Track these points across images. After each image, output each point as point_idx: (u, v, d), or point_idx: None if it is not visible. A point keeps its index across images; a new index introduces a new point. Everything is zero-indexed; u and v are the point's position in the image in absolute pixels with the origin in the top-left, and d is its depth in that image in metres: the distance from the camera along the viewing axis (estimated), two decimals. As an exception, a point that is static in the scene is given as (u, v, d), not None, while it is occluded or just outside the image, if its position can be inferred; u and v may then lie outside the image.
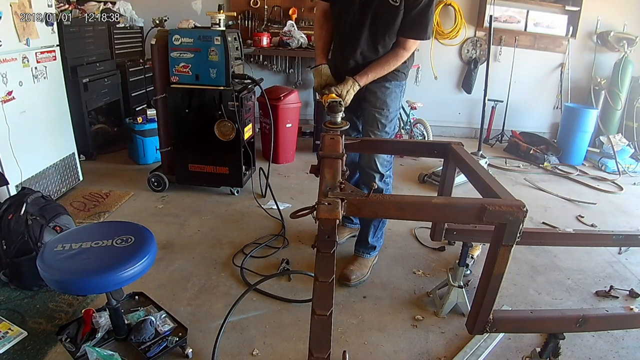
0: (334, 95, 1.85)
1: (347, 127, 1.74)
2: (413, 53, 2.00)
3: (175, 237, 2.53)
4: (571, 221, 3.06)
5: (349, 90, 1.87)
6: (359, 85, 1.89)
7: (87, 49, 3.50)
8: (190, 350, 1.65)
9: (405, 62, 1.99)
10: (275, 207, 2.88)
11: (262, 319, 1.89)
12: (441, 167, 1.94)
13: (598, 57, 4.69)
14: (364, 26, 1.89)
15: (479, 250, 2.38)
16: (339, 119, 1.72)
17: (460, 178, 3.04)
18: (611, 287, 2.21)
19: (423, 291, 2.14)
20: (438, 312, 1.97)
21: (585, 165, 4.36)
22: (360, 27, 1.90)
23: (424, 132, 4.23)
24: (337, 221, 1.05)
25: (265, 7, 4.60)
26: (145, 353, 1.54)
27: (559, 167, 4.17)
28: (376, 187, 1.18)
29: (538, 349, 1.50)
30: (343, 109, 1.75)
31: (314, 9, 4.39)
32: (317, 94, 2.01)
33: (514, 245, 1.15)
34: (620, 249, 2.62)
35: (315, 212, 1.08)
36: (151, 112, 3.46)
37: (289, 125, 3.77)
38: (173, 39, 2.73)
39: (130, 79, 4.06)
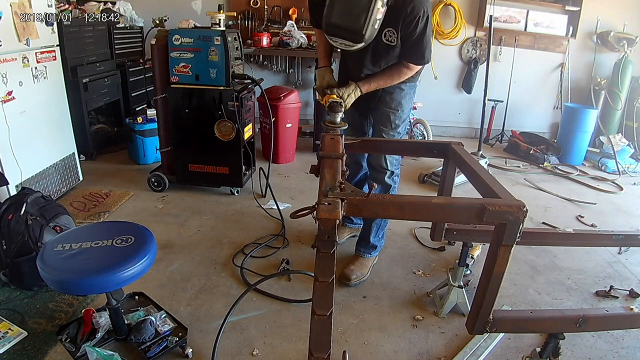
0: (335, 96, 1.87)
1: (346, 127, 1.77)
2: None
3: (175, 237, 2.53)
4: (571, 221, 3.06)
5: (350, 94, 1.90)
6: (361, 91, 1.91)
7: (87, 49, 3.50)
8: (190, 350, 1.65)
9: None
10: (275, 207, 2.88)
11: (262, 319, 1.89)
12: (441, 167, 1.94)
13: (598, 57, 4.69)
14: (365, 59, 1.92)
15: (479, 250, 2.38)
16: (339, 119, 1.76)
17: (460, 178, 3.04)
18: (611, 287, 2.21)
19: (423, 291, 2.14)
20: (438, 312, 1.97)
21: (585, 165, 4.36)
22: (362, 60, 1.93)
23: (424, 132, 4.23)
24: (337, 221, 1.06)
25: (265, 7, 4.60)
26: (145, 353, 1.54)
27: (559, 167, 4.17)
28: (376, 187, 1.18)
29: (538, 349, 1.50)
30: (343, 109, 1.78)
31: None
32: (317, 93, 2.04)
33: (514, 245, 1.15)
34: (620, 249, 2.61)
35: (315, 212, 1.08)
36: (151, 112, 3.46)
37: (289, 125, 3.77)
38: (173, 39, 2.73)
39: (130, 79, 4.06)
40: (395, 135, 2.12)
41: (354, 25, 1.53)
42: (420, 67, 1.95)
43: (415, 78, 2.08)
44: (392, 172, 2.16)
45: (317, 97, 2.04)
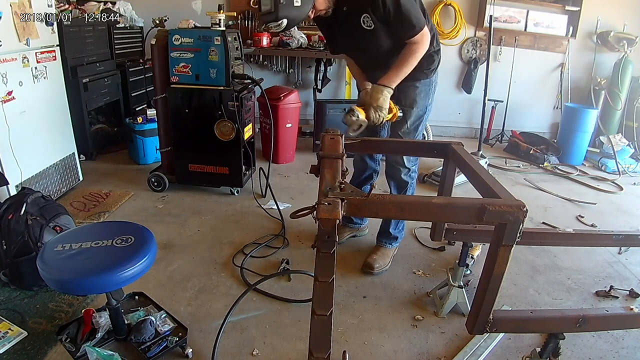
0: (357, 108, 1.83)
1: (363, 128, 1.82)
2: (439, 50, 2.05)
3: (175, 237, 2.53)
4: (571, 221, 3.06)
5: (374, 96, 1.82)
6: (385, 85, 1.83)
7: (87, 49, 3.50)
8: (190, 350, 1.65)
9: (433, 59, 2.04)
10: (275, 207, 2.87)
11: (262, 319, 1.89)
12: (441, 167, 1.94)
13: (598, 57, 4.69)
14: (362, 54, 2.03)
15: (479, 250, 2.38)
16: (354, 127, 1.80)
17: (460, 178, 3.04)
18: (611, 287, 2.21)
19: (423, 291, 2.14)
20: (438, 312, 1.97)
21: (585, 165, 4.36)
22: (362, 57, 2.04)
23: (424, 132, 4.23)
24: (337, 221, 1.06)
25: (266, 7, 4.60)
26: (145, 353, 1.54)
27: (559, 167, 4.17)
28: (375, 187, 1.17)
29: (538, 349, 1.50)
30: (354, 117, 1.79)
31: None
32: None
33: (514, 245, 1.15)
34: (620, 249, 2.61)
35: (315, 212, 1.08)
36: (151, 112, 3.46)
37: (289, 125, 3.77)
38: (173, 39, 2.73)
39: (130, 79, 4.06)
40: (410, 134, 2.13)
41: (265, 8, 1.76)
42: (423, 36, 1.85)
43: (430, 75, 2.07)
44: (409, 169, 2.18)
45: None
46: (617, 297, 2.18)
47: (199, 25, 2.95)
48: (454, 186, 1.91)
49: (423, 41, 1.85)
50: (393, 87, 1.85)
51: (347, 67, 4.42)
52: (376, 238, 2.42)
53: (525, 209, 1.11)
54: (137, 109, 3.74)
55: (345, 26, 1.92)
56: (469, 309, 1.66)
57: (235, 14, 4.48)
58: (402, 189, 2.24)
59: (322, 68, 4.56)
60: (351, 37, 1.95)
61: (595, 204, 3.35)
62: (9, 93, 2.34)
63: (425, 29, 1.85)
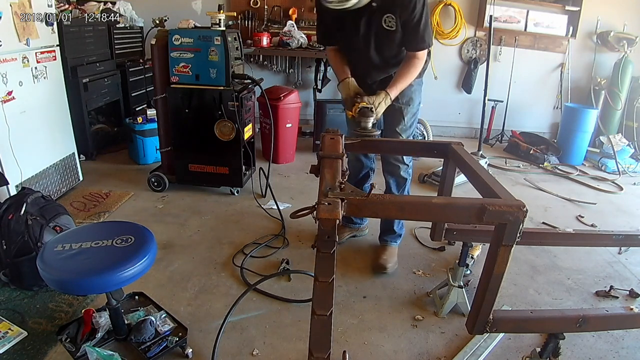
0: (365, 103, 1.89)
1: (379, 133, 1.83)
2: (429, 53, 2.11)
3: (175, 237, 2.53)
4: (571, 221, 3.06)
5: (381, 103, 1.92)
6: (391, 98, 1.95)
7: (87, 49, 3.50)
8: (190, 350, 1.65)
9: (425, 62, 2.09)
10: (275, 207, 2.87)
11: (262, 319, 1.89)
12: (441, 167, 1.94)
13: (598, 57, 4.69)
14: (370, 53, 2.03)
15: (479, 250, 2.38)
16: (370, 125, 1.80)
17: (460, 178, 3.04)
18: (611, 287, 2.21)
19: (423, 291, 2.14)
20: (438, 312, 1.97)
21: (585, 165, 4.36)
22: (367, 55, 2.04)
23: (424, 132, 4.23)
24: (337, 221, 1.06)
25: (265, 7, 4.60)
26: (145, 353, 1.54)
27: (559, 167, 4.17)
28: (375, 187, 1.17)
29: (538, 349, 1.50)
30: (374, 116, 1.83)
31: (314, 9, 4.38)
32: (345, 105, 2.05)
33: (514, 245, 1.15)
34: (620, 249, 2.61)
35: (315, 212, 1.08)
36: (151, 112, 3.47)
37: (289, 125, 3.77)
38: (173, 39, 2.73)
39: (130, 79, 4.06)
40: (407, 130, 2.18)
41: None
42: (425, 53, 1.98)
43: (422, 74, 2.14)
44: (407, 165, 2.24)
45: (346, 109, 2.06)
46: (617, 297, 2.18)
47: (199, 25, 2.95)
48: (454, 186, 1.91)
49: (423, 58, 2.00)
50: (393, 99, 1.96)
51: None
52: (380, 238, 2.43)
53: (525, 209, 1.11)
54: (137, 109, 3.74)
55: (366, 21, 1.93)
56: (469, 309, 1.66)
57: (235, 14, 4.48)
58: (402, 185, 2.28)
59: (322, 68, 4.56)
60: (367, 34, 1.96)
61: (595, 204, 3.35)
62: (9, 93, 2.34)
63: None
